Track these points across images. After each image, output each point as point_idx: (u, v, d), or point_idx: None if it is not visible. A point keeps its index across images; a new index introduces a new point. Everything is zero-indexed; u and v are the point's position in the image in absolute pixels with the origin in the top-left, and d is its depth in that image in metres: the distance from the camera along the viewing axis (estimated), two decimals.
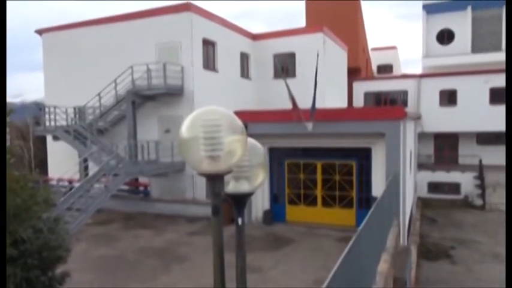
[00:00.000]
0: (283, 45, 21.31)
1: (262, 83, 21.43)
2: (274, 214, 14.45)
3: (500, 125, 23.47)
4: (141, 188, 17.29)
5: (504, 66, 24.30)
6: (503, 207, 21.52)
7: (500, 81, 23.74)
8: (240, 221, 2.46)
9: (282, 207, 14.57)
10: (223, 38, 18.70)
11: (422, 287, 12.82)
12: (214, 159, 2.09)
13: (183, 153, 2.15)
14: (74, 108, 16.90)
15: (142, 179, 16.90)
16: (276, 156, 14.51)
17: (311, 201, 14.20)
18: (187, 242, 12.24)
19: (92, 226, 13.75)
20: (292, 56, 21.27)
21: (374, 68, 36.87)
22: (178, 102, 16.65)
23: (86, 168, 15.41)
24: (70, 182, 15.13)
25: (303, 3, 28.91)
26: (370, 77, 31.47)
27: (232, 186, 2.43)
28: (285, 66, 20.78)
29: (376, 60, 36.91)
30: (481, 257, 15.18)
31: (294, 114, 12.23)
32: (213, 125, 2.09)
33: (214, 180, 2.16)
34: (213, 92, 17.49)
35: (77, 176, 14.90)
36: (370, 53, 34.81)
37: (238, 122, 2.16)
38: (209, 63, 17.97)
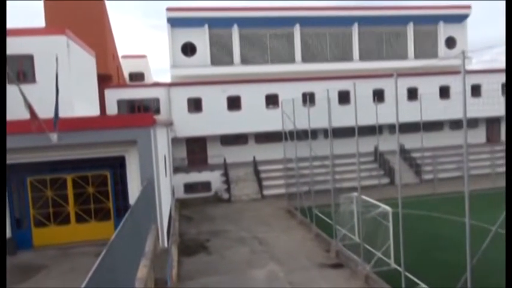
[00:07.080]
0: (17, 46, 18.48)
1: None
2: (18, 241, 12.48)
3: (235, 128, 27.69)
4: None
5: (236, 79, 28.90)
6: (245, 197, 25.45)
7: (234, 90, 27.87)
8: None
9: (28, 231, 12.73)
10: None
11: (182, 284, 13.70)
12: None
13: None
14: None
15: None
16: (15, 174, 12.54)
17: (63, 219, 12.97)
18: None
19: None
20: (29, 58, 18.73)
21: (126, 75, 36.82)
22: None
23: None
24: None
25: (41, 3, 25.99)
26: (122, 85, 31.21)
27: None
28: (20, 69, 18.16)
29: (127, 68, 36.96)
30: (230, 243, 17.40)
31: (33, 124, 10.86)
32: None
33: None
34: None
35: None
36: (121, 60, 34.59)
37: None
38: None
